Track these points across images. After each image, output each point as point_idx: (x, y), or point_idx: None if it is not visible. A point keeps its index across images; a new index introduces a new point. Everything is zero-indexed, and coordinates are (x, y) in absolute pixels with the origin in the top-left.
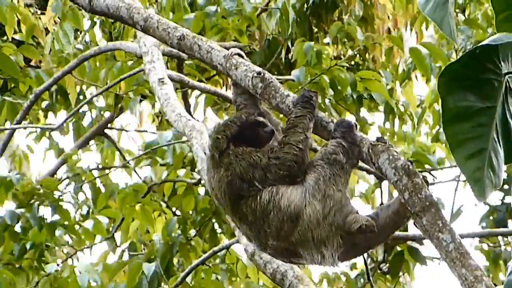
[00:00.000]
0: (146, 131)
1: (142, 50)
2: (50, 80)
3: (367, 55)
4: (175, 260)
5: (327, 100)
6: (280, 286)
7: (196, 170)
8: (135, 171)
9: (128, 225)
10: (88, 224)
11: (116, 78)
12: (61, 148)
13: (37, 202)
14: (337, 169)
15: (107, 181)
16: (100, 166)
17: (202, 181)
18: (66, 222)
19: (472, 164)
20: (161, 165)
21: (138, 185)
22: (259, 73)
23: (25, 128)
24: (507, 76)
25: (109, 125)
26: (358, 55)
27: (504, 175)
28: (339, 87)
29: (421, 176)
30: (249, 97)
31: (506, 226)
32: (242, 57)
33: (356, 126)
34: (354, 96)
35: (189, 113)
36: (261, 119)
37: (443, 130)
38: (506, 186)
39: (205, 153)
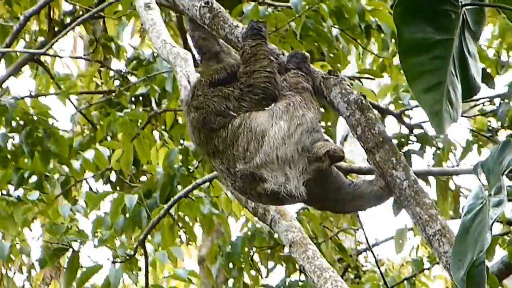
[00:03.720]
0: (81, 57)
1: None
2: (40, 2)
3: None
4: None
5: (335, 31)
6: (262, 221)
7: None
8: (69, 99)
9: (129, 157)
10: (89, 154)
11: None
12: None
13: (28, 128)
14: (307, 95)
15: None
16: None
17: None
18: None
19: (430, 97)
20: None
21: (137, 115)
22: (207, 2)
23: (15, 52)
24: (464, 8)
25: (42, 51)
26: None
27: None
28: (346, 16)
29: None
30: (208, 31)
31: None
32: None
33: (308, 57)
34: (362, 26)
35: (187, 44)
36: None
37: (399, 61)
38: None
39: (189, 81)
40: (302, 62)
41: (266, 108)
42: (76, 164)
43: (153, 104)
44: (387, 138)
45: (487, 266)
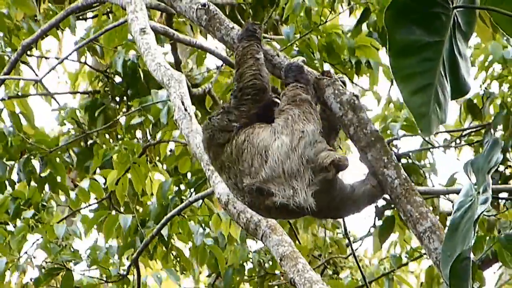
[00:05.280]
0: (67, 58)
1: (125, 0)
2: (37, 32)
3: None
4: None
5: (326, 65)
6: (253, 236)
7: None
8: (54, 99)
9: (125, 186)
10: (85, 184)
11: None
12: None
13: (26, 155)
14: (306, 107)
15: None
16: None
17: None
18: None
19: (418, 99)
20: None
21: (133, 145)
22: (203, 5)
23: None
24: (455, 11)
25: (28, 52)
26: None
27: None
28: (336, 51)
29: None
30: None
31: None
32: None
33: (304, 65)
34: (353, 62)
35: (179, 69)
36: (277, 100)
37: (389, 63)
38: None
39: (182, 102)
40: (299, 74)
41: (266, 124)
42: (72, 194)
43: (148, 135)
44: (379, 138)
45: (473, 261)
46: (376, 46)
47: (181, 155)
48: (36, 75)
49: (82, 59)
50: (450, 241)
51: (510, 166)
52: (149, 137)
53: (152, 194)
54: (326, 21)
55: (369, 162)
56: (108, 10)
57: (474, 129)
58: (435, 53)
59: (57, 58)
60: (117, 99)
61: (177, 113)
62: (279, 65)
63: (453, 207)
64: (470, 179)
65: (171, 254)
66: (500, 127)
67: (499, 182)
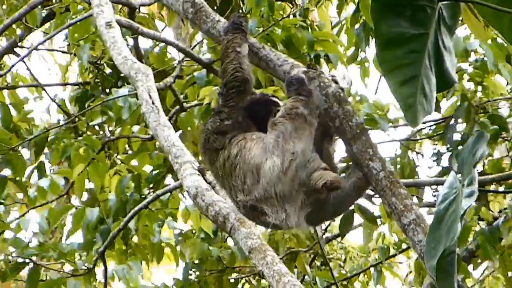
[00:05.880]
0: (58, 50)
1: None
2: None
3: None
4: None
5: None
6: (222, 228)
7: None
8: (44, 90)
9: (83, 182)
10: (44, 183)
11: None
12: None
13: None
14: (299, 122)
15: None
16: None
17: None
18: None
19: (405, 90)
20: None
21: (92, 140)
22: None
23: None
24: (440, 3)
25: (19, 44)
26: None
27: (458, 136)
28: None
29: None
30: None
31: None
32: None
33: (305, 76)
34: (312, 55)
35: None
36: (275, 99)
37: (376, 55)
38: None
39: (150, 96)
40: (301, 86)
41: (259, 135)
42: (31, 192)
43: (107, 131)
44: (364, 130)
45: (458, 254)
46: (336, 41)
47: (140, 151)
48: (27, 66)
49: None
50: (435, 234)
51: None
52: (108, 134)
53: (110, 191)
54: (288, 15)
55: (354, 155)
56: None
57: (435, 122)
58: (421, 45)
59: (48, 50)
60: (108, 90)
61: (145, 107)
62: (265, 58)
63: (437, 199)
64: (454, 171)
65: (131, 250)
66: (460, 120)
67: None
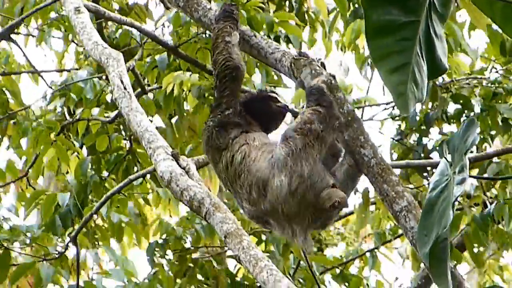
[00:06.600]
0: (54, 36)
1: None
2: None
3: None
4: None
5: None
6: (197, 213)
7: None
8: (41, 77)
9: (41, 164)
10: (1, 163)
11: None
12: None
13: None
14: (310, 139)
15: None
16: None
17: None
18: None
19: (395, 78)
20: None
21: (52, 123)
22: None
23: None
24: None
25: (15, 30)
26: None
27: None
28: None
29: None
30: None
31: None
32: None
33: (325, 86)
34: (272, 37)
35: None
36: (274, 94)
37: (366, 43)
38: (423, 127)
39: (121, 81)
40: (321, 96)
41: (262, 142)
42: None
43: (66, 114)
44: (356, 118)
45: (450, 242)
46: (298, 22)
47: (99, 133)
48: (23, 52)
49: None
50: (426, 221)
51: (432, 138)
52: (67, 116)
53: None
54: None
55: (346, 142)
56: None
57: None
58: (411, 32)
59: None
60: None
61: (116, 92)
62: (256, 45)
63: (428, 186)
64: (446, 158)
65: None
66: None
67: (422, 154)
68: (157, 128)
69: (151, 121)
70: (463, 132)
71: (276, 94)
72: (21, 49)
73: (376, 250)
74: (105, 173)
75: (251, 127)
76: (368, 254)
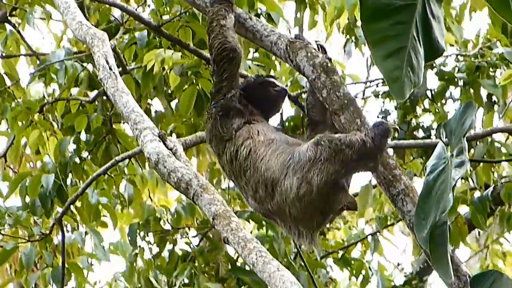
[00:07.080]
0: (52, 18)
1: None
2: None
3: None
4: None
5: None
6: (185, 195)
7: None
8: (39, 59)
9: (19, 145)
10: None
11: None
12: None
13: None
14: (335, 160)
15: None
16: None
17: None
18: None
19: (390, 63)
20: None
21: (31, 103)
22: None
23: None
24: None
25: (13, 12)
26: None
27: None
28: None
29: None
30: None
31: None
32: None
33: (392, 130)
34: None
35: None
36: (271, 79)
37: (361, 27)
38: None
39: (107, 61)
40: (381, 137)
41: (268, 138)
42: None
43: (45, 94)
44: (352, 100)
45: (449, 225)
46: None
47: (78, 113)
48: (21, 35)
49: None
50: (424, 205)
51: (417, 116)
52: (46, 97)
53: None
54: None
55: (342, 125)
56: None
57: (382, 80)
58: (408, 16)
59: (42, 19)
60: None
61: (102, 72)
62: (251, 28)
63: (425, 169)
64: (443, 141)
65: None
66: None
67: (406, 132)
68: (156, 112)
69: (151, 104)
70: (460, 115)
71: (274, 78)
72: (19, 32)
73: (378, 233)
74: (84, 154)
75: (253, 117)
76: (370, 238)
